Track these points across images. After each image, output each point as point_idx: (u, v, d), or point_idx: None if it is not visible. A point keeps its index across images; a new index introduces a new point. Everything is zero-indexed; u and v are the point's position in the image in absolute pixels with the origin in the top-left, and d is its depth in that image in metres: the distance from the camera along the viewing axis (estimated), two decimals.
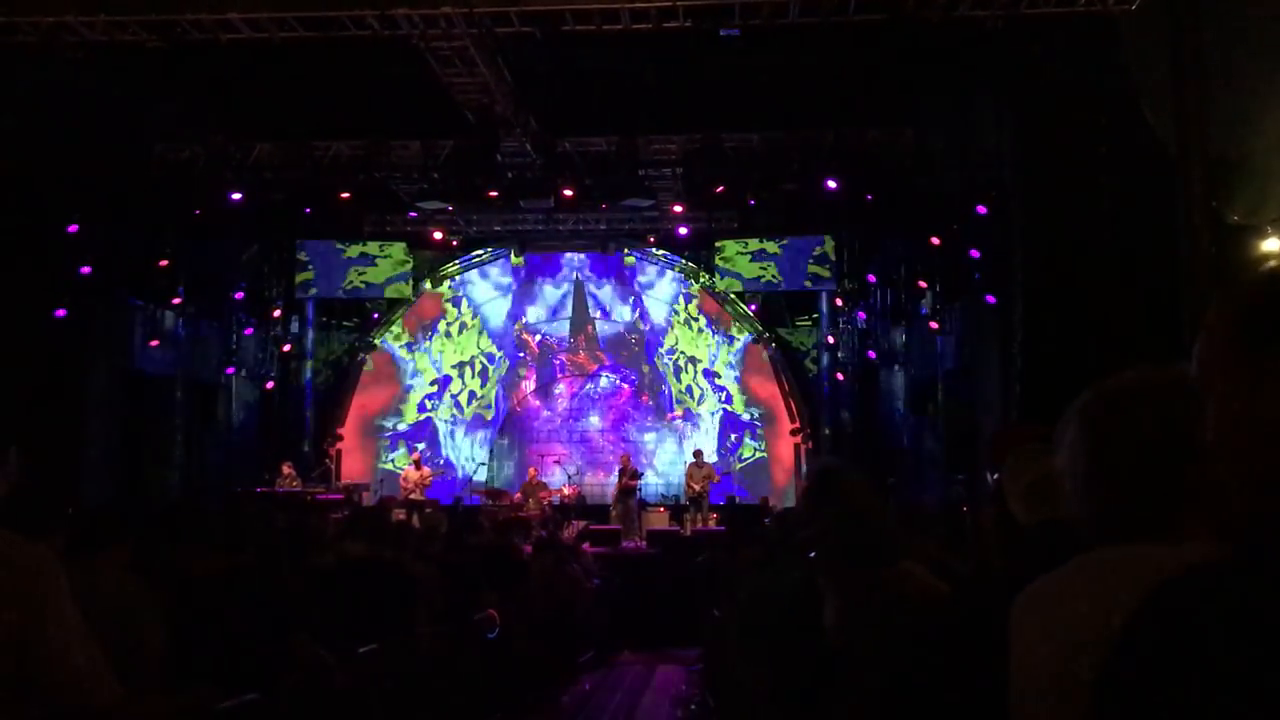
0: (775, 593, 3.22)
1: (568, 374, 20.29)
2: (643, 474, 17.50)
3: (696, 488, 16.43)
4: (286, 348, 19.09)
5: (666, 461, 19.59)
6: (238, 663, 3.44)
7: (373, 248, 18.94)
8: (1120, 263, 10.71)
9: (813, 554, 2.82)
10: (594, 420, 20.14)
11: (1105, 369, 1.50)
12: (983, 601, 1.96)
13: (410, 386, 19.94)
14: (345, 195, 16.27)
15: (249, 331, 18.33)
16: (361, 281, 19.00)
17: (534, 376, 20.20)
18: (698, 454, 17.25)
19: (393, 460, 19.36)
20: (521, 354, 20.15)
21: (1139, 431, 1.40)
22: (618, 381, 20.23)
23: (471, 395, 20.05)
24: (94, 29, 11.25)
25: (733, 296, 19.39)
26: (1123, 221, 10.75)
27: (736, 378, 19.72)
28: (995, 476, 2.45)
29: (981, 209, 13.41)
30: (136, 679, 2.80)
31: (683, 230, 18.28)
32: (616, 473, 17.14)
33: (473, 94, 13.09)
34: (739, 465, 19.27)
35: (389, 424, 19.79)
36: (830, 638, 2.72)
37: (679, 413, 19.89)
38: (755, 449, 19.50)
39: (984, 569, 2.70)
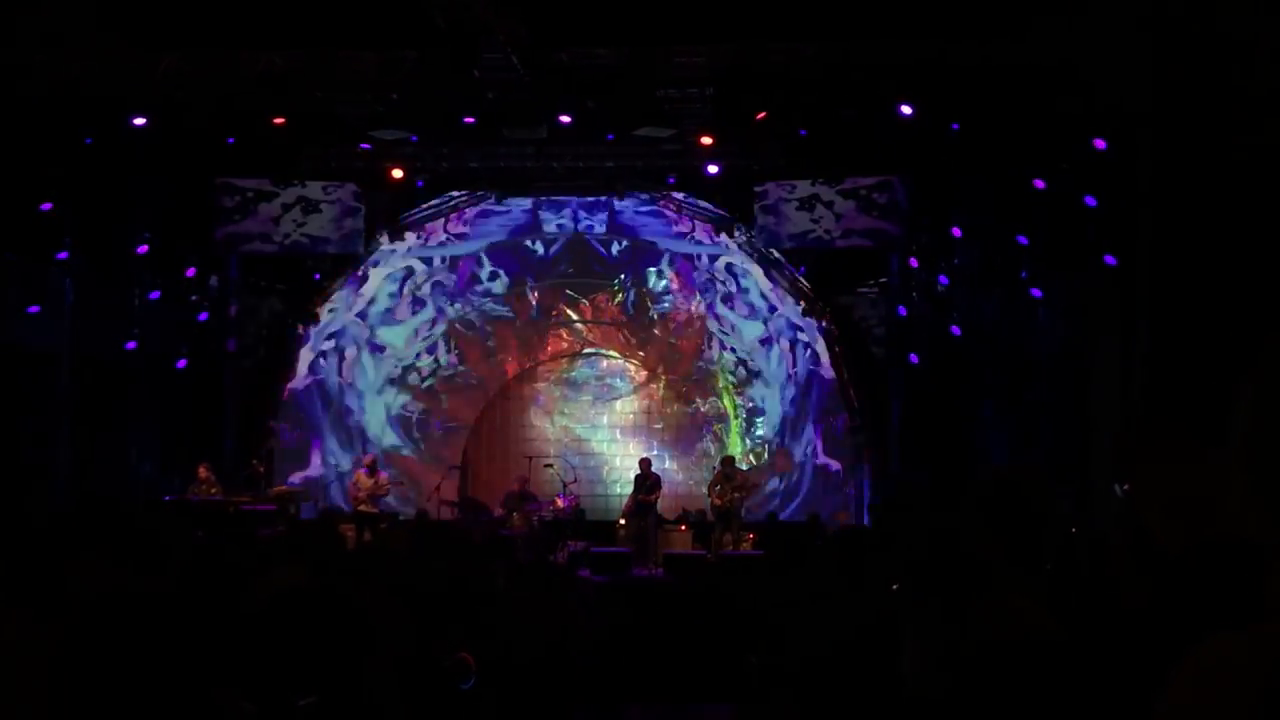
0: (839, 633, 3.21)
1: (565, 352, 20.27)
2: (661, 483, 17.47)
3: (720, 504, 16.45)
4: (203, 317, 19.10)
5: (687, 466, 19.60)
6: None
7: (314, 189, 18.90)
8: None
9: (895, 585, 2.81)
10: (597, 413, 20.14)
11: (1256, 351, 1.46)
12: (1114, 645, 1.94)
13: (363, 368, 19.95)
14: (279, 121, 16.23)
15: (155, 295, 18.32)
16: (301, 234, 18.97)
17: (520, 355, 20.18)
18: (727, 460, 17.23)
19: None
20: (505, 327, 20.13)
21: None
22: (628, 363, 20.20)
23: (441, 378, 20.06)
24: None
25: (775, 255, 19.31)
26: None
27: (779, 358, 19.66)
28: (1126, 488, 2.43)
29: (1100, 143, 13.33)
30: None
31: (712, 169, 18.21)
32: (634, 481, 17.12)
33: None
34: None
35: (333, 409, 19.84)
36: (911, 687, 2.71)
37: (704, 405, 19.90)
38: (802, 451, 19.50)
39: (1108, 604, 2.68)
